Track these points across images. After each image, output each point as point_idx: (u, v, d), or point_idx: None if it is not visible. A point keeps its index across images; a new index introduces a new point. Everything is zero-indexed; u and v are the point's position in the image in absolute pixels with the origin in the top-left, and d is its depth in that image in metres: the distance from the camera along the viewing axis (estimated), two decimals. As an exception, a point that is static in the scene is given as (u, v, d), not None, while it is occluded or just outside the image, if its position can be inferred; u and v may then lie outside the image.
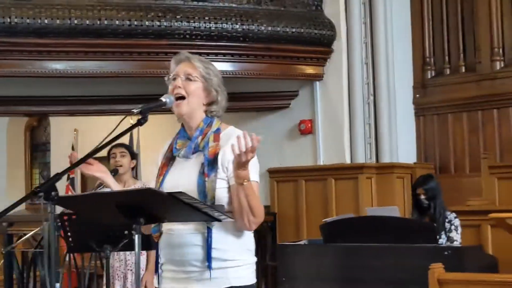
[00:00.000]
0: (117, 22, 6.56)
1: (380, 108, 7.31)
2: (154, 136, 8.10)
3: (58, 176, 2.31)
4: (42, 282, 5.29)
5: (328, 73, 7.36)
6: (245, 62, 7.00)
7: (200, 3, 6.81)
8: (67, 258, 6.21)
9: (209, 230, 2.58)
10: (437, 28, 8.11)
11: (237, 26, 6.88)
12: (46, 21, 6.40)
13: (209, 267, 2.55)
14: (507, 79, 7.63)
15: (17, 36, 6.36)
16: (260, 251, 7.48)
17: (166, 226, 2.65)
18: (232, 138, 2.63)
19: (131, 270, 4.83)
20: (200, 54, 6.85)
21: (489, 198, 6.56)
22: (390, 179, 7.12)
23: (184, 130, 2.76)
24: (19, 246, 5.90)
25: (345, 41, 7.29)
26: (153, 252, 4.86)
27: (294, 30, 7.09)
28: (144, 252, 4.82)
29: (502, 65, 7.71)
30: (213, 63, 7.06)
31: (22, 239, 5.36)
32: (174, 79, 2.73)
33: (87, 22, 6.50)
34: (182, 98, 2.68)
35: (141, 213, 2.40)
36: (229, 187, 2.61)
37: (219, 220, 2.41)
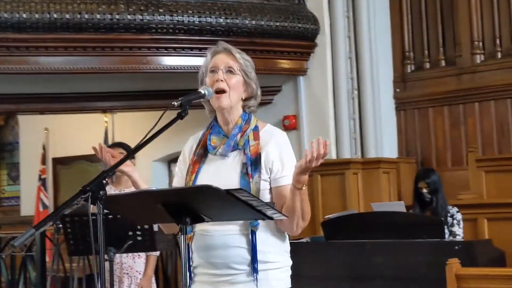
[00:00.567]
0: (98, 16, 6.35)
1: (364, 103, 7.25)
2: (129, 135, 7.91)
3: (106, 173, 2.14)
4: (35, 285, 5.06)
5: (312, 67, 7.26)
6: (229, 56, 6.84)
7: (183, -4, 6.64)
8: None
9: (252, 232, 2.45)
10: (416, 22, 8.08)
11: (221, 20, 6.73)
12: (24, 15, 6.15)
13: (255, 270, 2.42)
14: (488, 72, 7.64)
15: (-6, 31, 6.10)
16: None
17: (200, 227, 2.49)
18: (274, 138, 2.53)
19: (127, 273, 4.64)
20: (183, 48, 6.80)
21: (477, 191, 6.54)
22: (377, 174, 7.06)
23: (218, 125, 2.60)
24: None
25: (329, 35, 7.20)
26: (153, 256, 4.69)
27: (278, 24, 6.97)
28: (142, 255, 4.64)
29: (482, 58, 7.72)
30: (195, 58, 6.89)
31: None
32: (212, 71, 2.58)
33: (67, 16, 6.27)
34: (222, 92, 2.53)
35: (187, 213, 2.24)
36: (270, 189, 2.49)
37: (271, 218, 2.27)
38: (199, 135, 2.69)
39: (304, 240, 5.05)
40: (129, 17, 6.42)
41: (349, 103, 7.16)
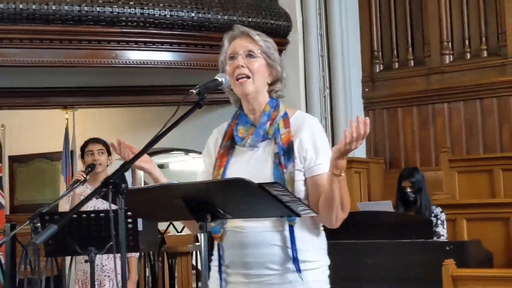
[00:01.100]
0: (66, 7, 6.10)
1: (336, 102, 7.16)
2: (91, 133, 7.65)
3: (127, 165, 1.95)
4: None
5: (284, 65, 7.10)
6: (201, 52, 6.67)
7: (154, -11, 6.43)
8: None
9: (291, 228, 2.28)
10: (385, 22, 8.04)
11: (193, 14, 6.55)
12: (-12, 5, 5.86)
13: (298, 270, 2.26)
14: (457, 72, 7.65)
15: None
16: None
17: (233, 224, 2.32)
18: (306, 124, 2.36)
19: (108, 276, 4.40)
20: (153, 43, 6.58)
21: (450, 192, 6.51)
22: (349, 174, 6.94)
23: (244, 114, 2.44)
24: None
25: (301, 33, 7.09)
26: (134, 258, 4.48)
27: (250, 19, 6.82)
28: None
29: (451, 59, 7.71)
30: (166, 52, 6.67)
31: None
32: (232, 57, 2.41)
33: (34, 7, 6.01)
34: (246, 77, 2.36)
35: (208, 209, 2.07)
36: (305, 180, 2.31)
37: (299, 215, 2.11)
38: (223, 127, 2.53)
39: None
40: (98, 9, 6.19)
41: (321, 102, 7.05)
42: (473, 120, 7.49)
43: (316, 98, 7.03)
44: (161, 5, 6.41)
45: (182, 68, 6.68)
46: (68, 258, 4.99)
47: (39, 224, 3.76)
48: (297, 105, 7.06)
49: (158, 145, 8.64)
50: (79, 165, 8.28)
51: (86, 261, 4.04)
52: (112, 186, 1.86)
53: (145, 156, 2.37)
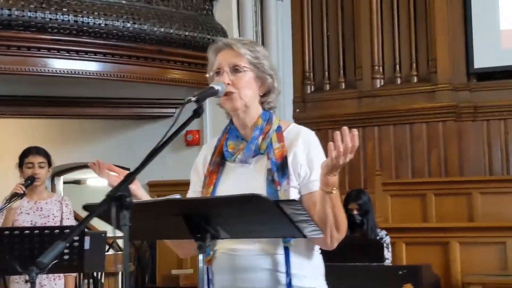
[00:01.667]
0: (-6, 10, 5.73)
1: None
2: (10, 146, 7.24)
3: (132, 176, 1.74)
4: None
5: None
6: (135, 64, 6.42)
7: (88, -4, 6.16)
8: None
9: (286, 250, 2.11)
10: (317, 43, 8.04)
11: (128, 25, 6.30)
12: None
13: None
14: (387, 97, 7.72)
15: None
16: (140, 272, 6.90)
17: (224, 245, 2.14)
18: (301, 137, 2.21)
19: (46, 297, 4.09)
20: (86, 52, 6.29)
21: (383, 215, 6.51)
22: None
23: (235, 129, 2.27)
24: None
25: (238, 49, 6.94)
26: (71, 277, 4.18)
27: (187, 33, 6.63)
28: (62, 276, 4.10)
29: (382, 83, 7.78)
30: (99, 63, 6.37)
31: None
32: (218, 73, 2.25)
33: (-41, 8, 5.61)
34: (231, 93, 2.20)
35: (209, 227, 1.89)
36: (300, 198, 2.15)
37: (305, 236, 1.95)
38: (213, 142, 2.35)
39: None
40: (29, 14, 5.86)
41: (256, 121, 6.92)
42: (402, 144, 7.56)
43: (251, 117, 6.90)
44: (96, 13, 6.14)
45: (114, 80, 6.41)
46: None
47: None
48: (231, 123, 6.91)
49: (76, 160, 8.24)
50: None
51: (26, 281, 3.74)
52: (118, 200, 1.64)
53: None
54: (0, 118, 7.52)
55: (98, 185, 11.13)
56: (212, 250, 2.16)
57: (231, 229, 1.91)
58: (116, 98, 7.03)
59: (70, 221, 4.12)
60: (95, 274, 6.36)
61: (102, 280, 6.12)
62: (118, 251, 6.81)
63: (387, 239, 4.84)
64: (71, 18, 6.03)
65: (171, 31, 6.52)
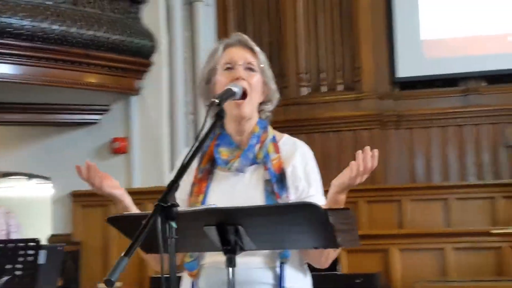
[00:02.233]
0: None
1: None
2: None
3: (176, 184, 1.58)
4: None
5: (147, 87, 6.75)
6: (59, 68, 6.13)
7: (12, -4, 5.82)
8: None
9: (282, 265, 2.01)
10: (242, 50, 7.95)
11: (55, 27, 6.01)
12: None
13: None
14: (313, 105, 7.73)
15: None
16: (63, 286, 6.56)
17: (213, 258, 2.00)
18: (299, 150, 2.13)
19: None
20: (10, 55, 5.94)
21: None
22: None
23: (227, 135, 2.13)
24: None
25: (166, 54, 6.77)
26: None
27: (114, 37, 6.40)
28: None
29: (308, 91, 7.79)
30: (24, 67, 6.07)
31: None
32: (228, 68, 2.10)
33: None
34: (243, 96, 2.07)
35: (238, 238, 1.76)
36: None
37: (336, 247, 1.85)
38: None
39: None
40: None
41: (187, 128, 6.77)
42: (327, 153, 7.58)
43: (181, 124, 6.73)
44: (21, 14, 5.82)
45: (39, 85, 6.10)
46: None
47: None
48: (160, 131, 6.72)
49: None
50: None
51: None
52: (166, 210, 1.48)
53: (113, 181, 2.02)
54: None
55: (22, 195, 10.55)
56: (199, 264, 2.03)
57: (260, 240, 1.78)
58: (38, 104, 6.69)
59: (17, 235, 3.84)
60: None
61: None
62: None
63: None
64: (-6, 18, 5.68)
65: (99, 34, 6.27)
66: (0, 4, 5.73)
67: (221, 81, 2.10)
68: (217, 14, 7.77)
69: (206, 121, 1.85)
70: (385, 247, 5.44)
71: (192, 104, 6.90)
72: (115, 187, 2.04)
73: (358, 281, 4.00)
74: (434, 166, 7.43)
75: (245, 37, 2.19)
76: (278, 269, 2.00)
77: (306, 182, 2.11)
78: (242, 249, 1.81)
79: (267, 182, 2.05)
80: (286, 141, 2.19)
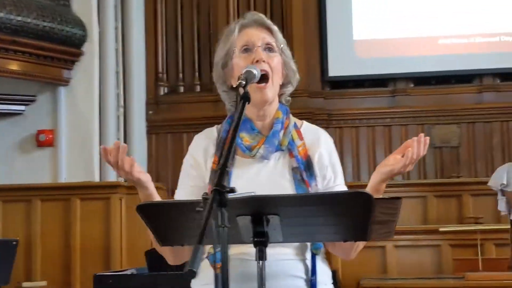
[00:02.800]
0: None
1: (130, 122, 6.69)
2: None
3: (226, 167, 1.45)
4: None
5: (76, 78, 6.46)
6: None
7: None
8: None
9: (313, 257, 1.92)
10: (172, 44, 7.78)
11: (-18, 11, 5.65)
12: None
13: None
14: (247, 102, 7.62)
15: None
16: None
17: (238, 250, 1.87)
18: (322, 138, 2.04)
19: None
20: None
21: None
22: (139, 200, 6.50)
23: (248, 120, 2.01)
24: None
25: (97, 45, 6.50)
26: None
27: (45, 24, 6.09)
28: None
29: (241, 87, 7.68)
30: None
31: None
32: (246, 49, 1.99)
33: None
34: (265, 79, 1.94)
35: (268, 229, 1.65)
36: None
37: (365, 240, 1.75)
38: (212, 133, 2.09)
39: (128, 272, 4.35)
40: None
41: (117, 122, 6.53)
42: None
43: (112, 117, 6.49)
44: None
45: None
46: None
47: None
48: (90, 124, 6.45)
49: None
50: None
51: None
52: (221, 196, 1.35)
53: (138, 166, 1.86)
54: None
55: None
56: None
57: (290, 232, 1.66)
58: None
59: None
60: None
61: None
62: None
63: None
64: None
65: (29, 20, 5.95)
66: None
67: (239, 65, 1.98)
68: (146, 5, 7.53)
69: (238, 105, 1.71)
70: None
71: (123, 97, 6.67)
72: (142, 172, 1.92)
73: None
74: (363, 165, 7.50)
75: (261, 15, 2.07)
76: (308, 261, 1.92)
77: (332, 171, 2.02)
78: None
79: (295, 169, 1.96)
80: (307, 127, 2.09)
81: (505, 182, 4.89)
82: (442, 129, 7.38)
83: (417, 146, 1.84)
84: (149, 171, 7.39)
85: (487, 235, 5.29)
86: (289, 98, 2.10)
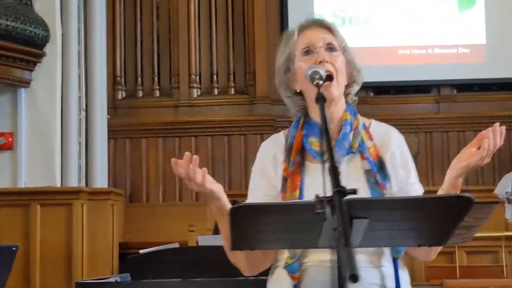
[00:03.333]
0: None
1: (91, 126, 6.53)
2: None
3: (338, 169, 1.40)
4: None
5: (38, 79, 6.25)
6: None
7: None
8: None
9: (395, 262, 1.86)
10: (130, 47, 7.64)
11: None
12: None
13: None
14: (204, 107, 7.57)
15: None
16: None
17: (316, 257, 1.83)
18: (392, 136, 1.99)
19: None
20: None
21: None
22: (104, 206, 6.36)
23: (315, 123, 1.95)
24: None
25: (60, 46, 6.32)
26: None
27: (8, 23, 5.89)
28: None
29: (199, 93, 7.61)
30: None
31: None
32: (307, 51, 1.93)
33: None
34: (330, 78, 1.90)
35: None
36: None
37: (442, 244, 1.72)
38: (279, 140, 2.01)
39: (111, 279, 4.19)
40: None
41: (79, 125, 6.35)
42: (219, 156, 7.44)
43: (74, 120, 6.31)
44: None
45: None
46: None
47: None
48: (51, 127, 6.25)
49: None
50: None
51: None
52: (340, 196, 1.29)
53: (210, 177, 1.80)
54: None
55: None
56: (301, 263, 1.84)
57: (371, 236, 1.62)
58: None
59: None
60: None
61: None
62: None
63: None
64: None
65: (-8, 19, 5.73)
66: None
67: (302, 67, 1.92)
68: (107, 7, 7.37)
69: (324, 111, 1.65)
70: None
71: (84, 100, 6.50)
72: (214, 182, 1.82)
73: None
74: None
75: (320, 16, 2.02)
76: (384, 268, 1.85)
77: (404, 170, 1.96)
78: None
79: (368, 172, 1.90)
80: (376, 126, 2.02)
81: (510, 190, 4.93)
82: (400, 138, 7.48)
83: (493, 136, 1.81)
84: (108, 176, 7.23)
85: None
86: (355, 98, 2.05)
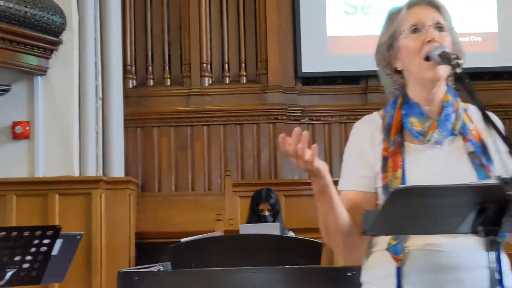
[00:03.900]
0: None
1: (108, 115, 6.46)
2: None
3: None
4: None
5: (54, 67, 6.17)
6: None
7: None
8: None
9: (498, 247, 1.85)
10: (140, 36, 7.56)
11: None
12: None
13: None
14: (216, 96, 7.51)
15: None
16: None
17: (421, 241, 1.80)
18: (494, 120, 1.96)
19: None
20: None
21: (233, 216, 6.29)
22: (123, 195, 6.30)
23: (416, 104, 1.93)
24: None
25: (77, 34, 6.24)
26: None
27: (27, 9, 5.79)
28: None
29: (211, 81, 7.56)
30: None
31: None
32: (415, 29, 1.91)
33: None
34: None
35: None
36: None
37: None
38: (375, 120, 1.98)
39: (155, 268, 4.14)
40: None
41: (96, 113, 6.28)
42: (232, 145, 7.40)
43: (91, 108, 6.24)
44: None
45: None
46: None
47: None
48: (69, 116, 6.18)
49: None
50: None
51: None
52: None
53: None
54: None
55: None
56: (404, 246, 1.82)
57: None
58: None
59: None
60: None
61: None
62: None
63: (296, 240, 4.64)
64: None
65: (11, 5, 5.64)
66: None
67: (409, 45, 1.90)
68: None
69: (471, 93, 1.63)
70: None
71: (101, 88, 6.43)
72: (321, 161, 1.77)
73: (349, 274, 3.86)
74: (334, 161, 7.50)
75: None
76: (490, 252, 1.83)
77: (509, 155, 1.95)
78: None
79: (472, 154, 1.87)
80: (472, 110, 1.99)
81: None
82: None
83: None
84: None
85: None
86: (455, 80, 2.03)
